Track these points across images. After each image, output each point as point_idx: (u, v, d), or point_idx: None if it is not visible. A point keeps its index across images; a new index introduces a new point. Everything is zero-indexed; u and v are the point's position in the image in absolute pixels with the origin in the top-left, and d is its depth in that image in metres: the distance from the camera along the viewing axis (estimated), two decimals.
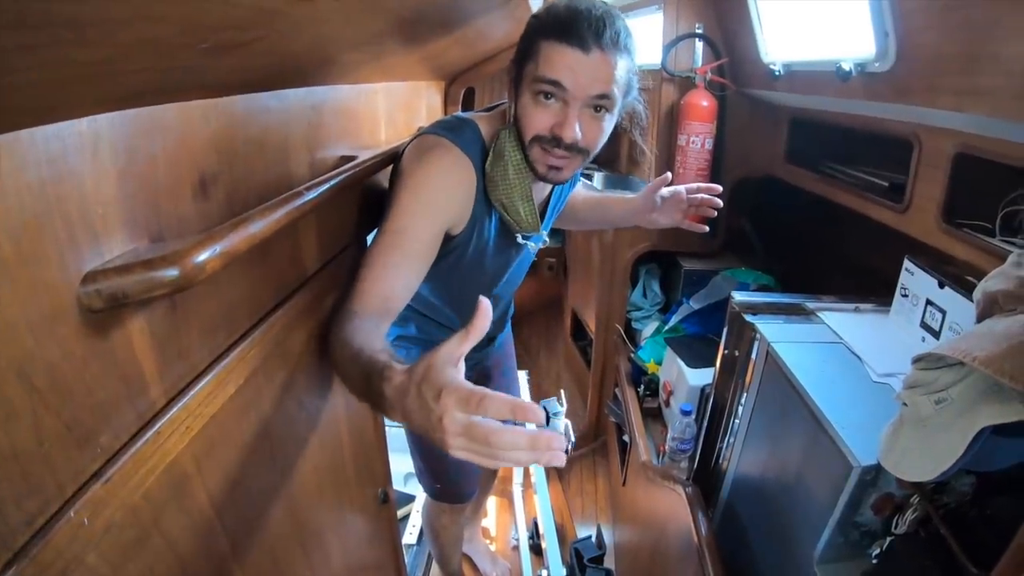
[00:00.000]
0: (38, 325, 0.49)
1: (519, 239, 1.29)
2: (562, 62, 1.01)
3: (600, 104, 1.05)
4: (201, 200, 0.73)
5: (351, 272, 1.03)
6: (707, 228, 1.48)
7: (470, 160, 1.11)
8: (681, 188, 1.41)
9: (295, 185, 0.87)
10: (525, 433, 0.59)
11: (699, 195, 1.39)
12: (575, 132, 1.05)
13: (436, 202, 1.08)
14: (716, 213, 1.43)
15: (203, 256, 0.59)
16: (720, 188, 1.38)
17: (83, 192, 0.53)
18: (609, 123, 1.10)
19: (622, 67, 1.04)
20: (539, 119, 1.06)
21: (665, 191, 1.42)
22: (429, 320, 1.46)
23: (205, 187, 0.73)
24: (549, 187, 1.32)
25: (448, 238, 1.14)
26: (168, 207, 0.67)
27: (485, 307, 0.64)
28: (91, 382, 0.55)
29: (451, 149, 1.09)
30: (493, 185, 1.14)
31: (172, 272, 0.55)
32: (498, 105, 1.28)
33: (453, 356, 0.64)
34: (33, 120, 0.47)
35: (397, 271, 1.03)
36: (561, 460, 0.60)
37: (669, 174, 1.40)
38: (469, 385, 0.60)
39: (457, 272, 1.25)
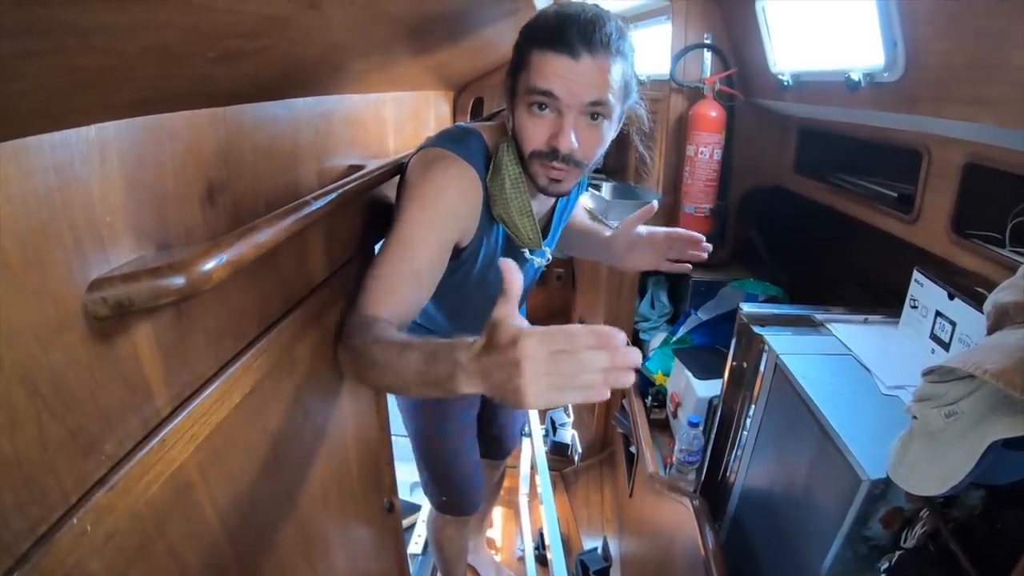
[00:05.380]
0: (43, 331, 0.49)
1: (525, 254, 1.27)
2: (552, 71, 0.98)
3: (596, 111, 1.02)
4: (208, 208, 0.73)
5: (358, 283, 1.03)
6: (690, 267, 1.39)
7: (476, 172, 1.09)
8: (659, 231, 1.36)
9: (303, 194, 0.87)
10: (607, 349, 0.64)
11: (680, 241, 1.35)
12: (571, 142, 1.02)
13: (443, 215, 1.06)
14: (705, 256, 1.35)
15: (210, 264, 0.59)
16: (704, 239, 1.33)
17: (90, 199, 0.54)
18: (608, 130, 1.07)
19: (616, 71, 1.01)
20: (536, 132, 1.04)
21: (641, 230, 1.36)
22: (434, 335, 1.41)
23: (213, 195, 0.74)
24: (552, 200, 1.30)
25: (457, 251, 1.13)
26: (175, 215, 0.67)
27: (511, 268, 0.72)
28: (96, 389, 0.55)
29: (456, 161, 1.07)
30: (493, 200, 1.12)
31: (179, 280, 0.55)
32: (500, 112, 1.27)
33: (508, 317, 0.69)
34: (40, 127, 0.47)
35: (405, 286, 1.02)
36: (630, 379, 0.65)
37: (655, 204, 1.32)
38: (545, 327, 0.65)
39: (466, 287, 1.23)
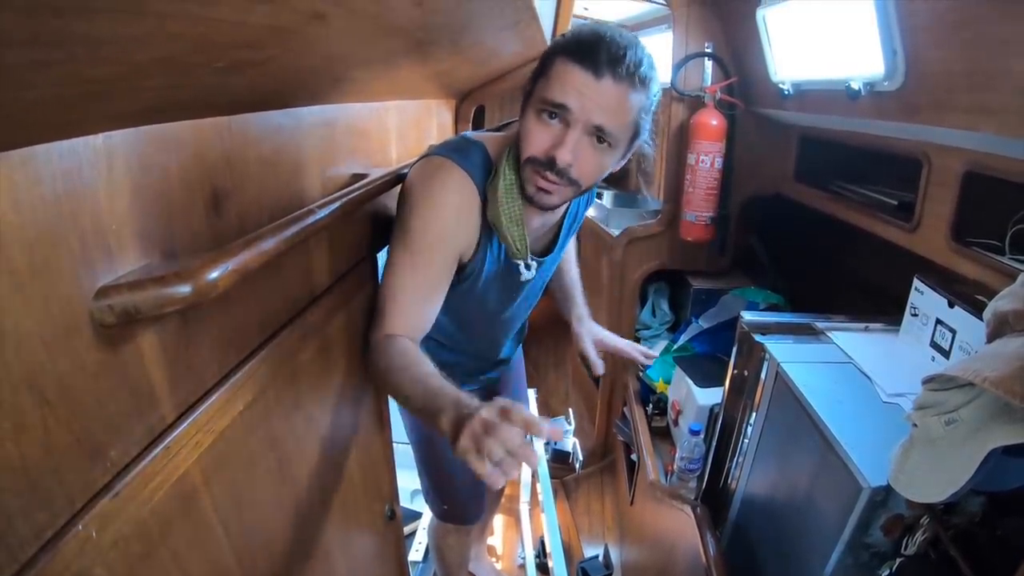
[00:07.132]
0: (50, 338, 0.49)
1: (522, 266, 1.23)
2: (571, 82, 0.97)
3: (602, 135, 1.01)
4: (214, 216, 0.74)
5: (360, 288, 1.04)
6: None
7: (474, 183, 1.08)
8: (613, 346, 1.81)
9: (307, 202, 0.88)
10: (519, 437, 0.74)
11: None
12: (568, 155, 1.00)
13: (446, 228, 1.07)
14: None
15: (215, 273, 0.59)
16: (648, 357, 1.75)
17: (97, 207, 0.54)
18: (610, 159, 1.05)
19: (634, 103, 1.00)
20: (538, 139, 1.02)
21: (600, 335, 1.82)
22: (439, 344, 1.42)
23: (218, 203, 0.74)
24: (560, 213, 1.27)
25: (461, 265, 1.14)
26: (181, 223, 0.68)
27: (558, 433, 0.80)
28: (102, 396, 0.55)
29: (455, 171, 1.07)
30: (489, 206, 1.10)
31: (184, 288, 0.56)
32: (511, 123, 1.26)
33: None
34: (49, 135, 0.48)
35: (417, 304, 1.08)
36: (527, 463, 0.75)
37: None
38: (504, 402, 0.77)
39: (472, 298, 1.24)
